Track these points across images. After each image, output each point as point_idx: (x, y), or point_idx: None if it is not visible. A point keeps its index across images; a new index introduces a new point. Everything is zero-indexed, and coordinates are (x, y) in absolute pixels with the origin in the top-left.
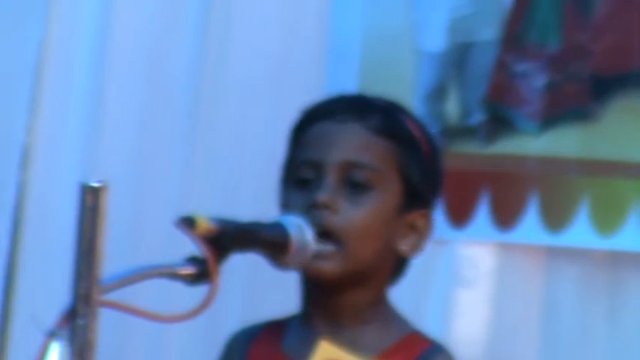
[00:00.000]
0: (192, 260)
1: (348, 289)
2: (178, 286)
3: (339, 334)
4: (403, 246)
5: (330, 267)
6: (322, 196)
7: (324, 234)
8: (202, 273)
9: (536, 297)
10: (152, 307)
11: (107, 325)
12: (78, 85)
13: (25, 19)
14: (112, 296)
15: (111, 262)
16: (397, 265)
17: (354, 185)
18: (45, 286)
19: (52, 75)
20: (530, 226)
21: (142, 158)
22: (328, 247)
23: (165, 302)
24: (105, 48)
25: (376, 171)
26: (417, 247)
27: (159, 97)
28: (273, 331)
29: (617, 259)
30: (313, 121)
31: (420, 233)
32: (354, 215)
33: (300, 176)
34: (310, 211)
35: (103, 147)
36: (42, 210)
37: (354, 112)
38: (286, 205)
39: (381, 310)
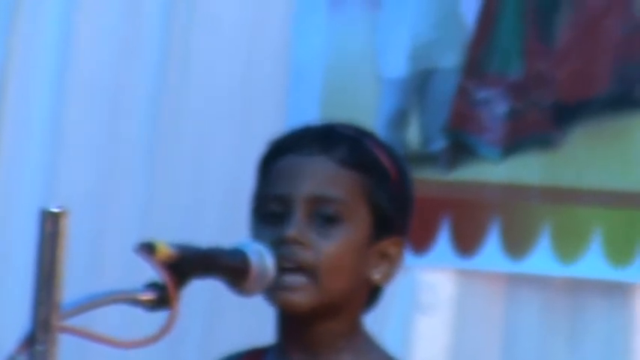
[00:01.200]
0: (152, 286)
1: (321, 320)
2: (140, 312)
3: None
4: (375, 275)
5: (301, 299)
6: (291, 231)
7: (297, 269)
8: (162, 299)
9: (496, 324)
10: (113, 332)
11: (67, 351)
12: (38, 109)
13: None
14: (72, 322)
15: (71, 287)
16: (370, 294)
17: (323, 219)
18: (5, 311)
19: (12, 99)
20: (491, 253)
21: (102, 183)
22: (299, 279)
23: (126, 328)
24: (65, 73)
25: (344, 203)
26: (389, 275)
27: (119, 122)
28: (251, 359)
29: (578, 287)
30: (280, 154)
31: (392, 261)
32: (325, 248)
33: (268, 211)
34: (280, 246)
35: (63, 171)
36: (2, 234)
37: (320, 145)
38: (256, 239)
39: (356, 339)
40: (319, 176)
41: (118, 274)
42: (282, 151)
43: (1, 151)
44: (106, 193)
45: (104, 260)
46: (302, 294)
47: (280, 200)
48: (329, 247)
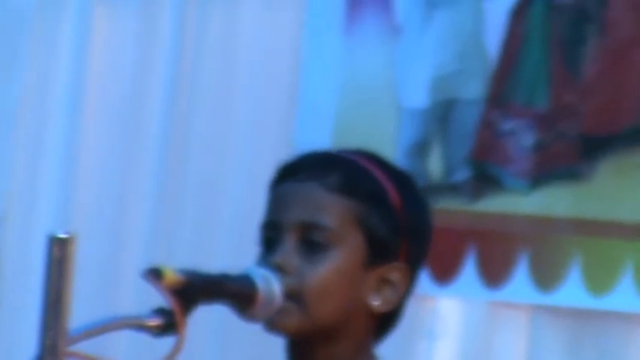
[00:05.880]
0: (159, 312)
1: (320, 345)
2: (149, 338)
3: None
4: (374, 301)
5: (288, 321)
6: (276, 258)
7: (285, 296)
8: (169, 324)
9: (522, 355)
10: (123, 357)
11: None
12: (52, 136)
13: None
14: (80, 347)
15: (83, 312)
16: (379, 321)
17: (311, 245)
18: (21, 338)
19: (27, 125)
20: (520, 285)
21: (115, 208)
22: (286, 304)
23: (137, 353)
24: (78, 100)
25: (332, 231)
26: (392, 302)
27: (131, 148)
28: None
29: (604, 318)
30: (280, 180)
31: (395, 287)
32: (310, 275)
33: (265, 237)
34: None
35: (76, 196)
36: (17, 259)
37: (314, 170)
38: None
39: None
40: (308, 203)
41: (130, 299)
42: (283, 177)
43: (17, 176)
44: (117, 219)
45: (116, 285)
46: (289, 317)
47: (273, 227)
48: (314, 274)
